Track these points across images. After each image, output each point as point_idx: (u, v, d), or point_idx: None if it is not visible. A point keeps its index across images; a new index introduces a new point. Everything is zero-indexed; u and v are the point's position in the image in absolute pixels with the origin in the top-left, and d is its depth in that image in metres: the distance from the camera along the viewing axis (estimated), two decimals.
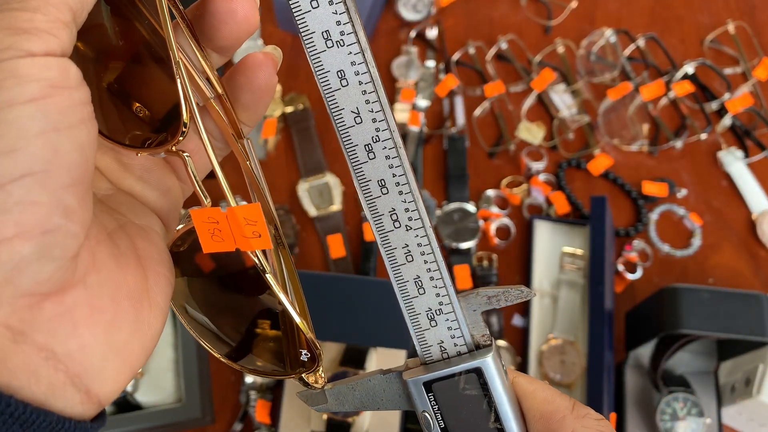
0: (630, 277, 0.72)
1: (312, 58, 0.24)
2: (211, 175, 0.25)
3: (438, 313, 0.27)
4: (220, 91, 0.26)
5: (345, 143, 0.25)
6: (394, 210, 0.26)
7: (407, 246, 0.26)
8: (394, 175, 0.25)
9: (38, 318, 0.19)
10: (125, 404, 0.64)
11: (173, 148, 0.24)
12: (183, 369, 0.65)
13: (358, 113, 0.25)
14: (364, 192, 0.26)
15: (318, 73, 0.24)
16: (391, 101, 0.81)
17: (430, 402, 0.27)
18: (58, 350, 0.20)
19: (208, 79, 0.26)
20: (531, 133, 0.79)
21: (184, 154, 0.24)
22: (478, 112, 0.80)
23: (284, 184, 0.77)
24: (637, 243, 0.74)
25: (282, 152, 0.79)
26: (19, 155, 0.18)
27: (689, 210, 0.76)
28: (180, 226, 0.26)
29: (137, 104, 0.26)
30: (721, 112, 0.80)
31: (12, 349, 0.19)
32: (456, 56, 0.83)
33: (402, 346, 0.60)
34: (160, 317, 0.23)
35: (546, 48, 0.83)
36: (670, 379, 0.63)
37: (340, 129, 0.25)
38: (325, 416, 0.60)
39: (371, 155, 0.25)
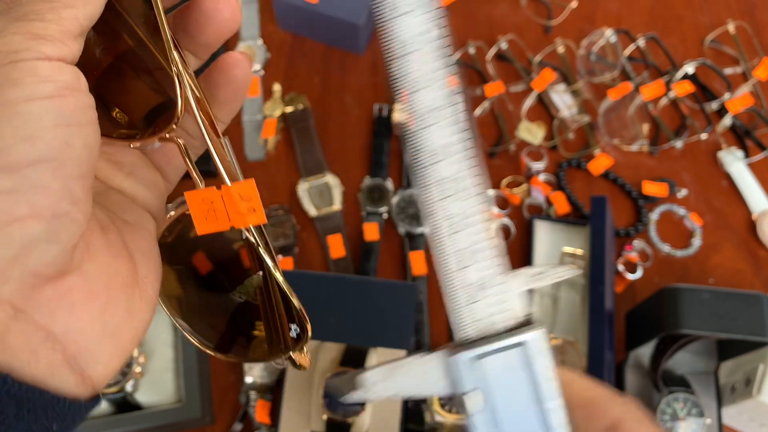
0: (630, 277, 0.72)
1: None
2: (188, 175, 0.26)
3: (486, 287, 0.26)
4: (198, 93, 0.26)
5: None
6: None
7: (452, 217, 0.26)
8: (453, 143, 0.26)
9: (39, 298, 0.20)
10: (125, 404, 0.64)
11: (167, 135, 0.25)
12: (183, 369, 0.65)
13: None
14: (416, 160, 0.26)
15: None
16: (391, 101, 0.81)
17: (477, 380, 0.26)
18: (56, 330, 0.21)
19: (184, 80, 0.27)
20: (531, 133, 0.79)
21: (178, 140, 0.25)
22: (478, 111, 0.80)
23: (284, 184, 0.77)
24: (638, 243, 0.73)
25: (282, 152, 0.79)
26: (36, 142, 0.20)
27: (689, 210, 0.75)
28: (171, 214, 0.27)
29: (127, 99, 0.27)
30: (722, 112, 0.80)
31: (13, 326, 0.20)
32: (456, 56, 0.83)
33: (402, 346, 0.60)
34: (149, 307, 0.25)
35: (546, 48, 0.83)
36: (670, 379, 0.63)
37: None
38: (324, 416, 0.60)
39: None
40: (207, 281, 0.29)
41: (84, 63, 0.24)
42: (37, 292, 0.20)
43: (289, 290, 0.26)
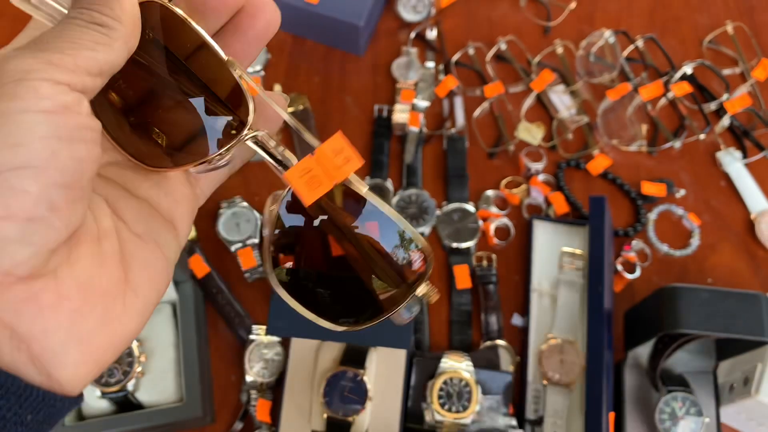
0: (629, 276, 0.72)
1: None
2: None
3: None
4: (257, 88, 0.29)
5: None
6: None
7: None
8: None
9: (7, 297, 0.21)
10: (126, 403, 0.64)
11: (244, 137, 0.27)
12: (184, 368, 0.65)
13: None
14: None
15: None
16: (391, 102, 0.81)
17: None
18: (21, 330, 0.22)
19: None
20: (530, 133, 0.79)
21: (259, 133, 0.28)
22: (477, 112, 0.80)
23: (284, 184, 0.77)
24: (636, 243, 0.74)
25: None
26: (21, 149, 0.21)
27: (688, 210, 0.76)
28: (271, 209, 0.28)
29: (187, 120, 0.29)
30: (720, 112, 0.81)
31: None
32: (456, 57, 0.83)
33: (402, 346, 0.61)
34: (135, 318, 0.25)
35: (545, 49, 0.84)
36: (669, 379, 0.63)
37: None
38: (325, 415, 0.60)
39: None
40: (320, 263, 0.29)
41: (146, 101, 0.27)
42: (4, 290, 0.21)
43: (403, 221, 0.27)
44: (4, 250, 0.21)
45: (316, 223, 0.28)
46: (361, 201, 0.27)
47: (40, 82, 0.22)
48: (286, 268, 0.29)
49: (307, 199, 0.26)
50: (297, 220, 0.28)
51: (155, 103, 0.29)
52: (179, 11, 0.27)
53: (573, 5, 0.86)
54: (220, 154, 0.28)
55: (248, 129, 0.28)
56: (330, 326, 0.28)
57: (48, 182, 0.21)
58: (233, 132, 0.28)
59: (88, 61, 0.23)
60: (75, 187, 0.22)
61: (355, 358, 0.62)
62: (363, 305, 0.29)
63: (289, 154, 0.28)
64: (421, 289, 0.28)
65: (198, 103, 0.28)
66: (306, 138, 0.27)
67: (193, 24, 0.27)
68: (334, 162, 0.26)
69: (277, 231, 0.28)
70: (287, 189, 0.28)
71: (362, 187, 0.27)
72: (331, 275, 0.29)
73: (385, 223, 0.28)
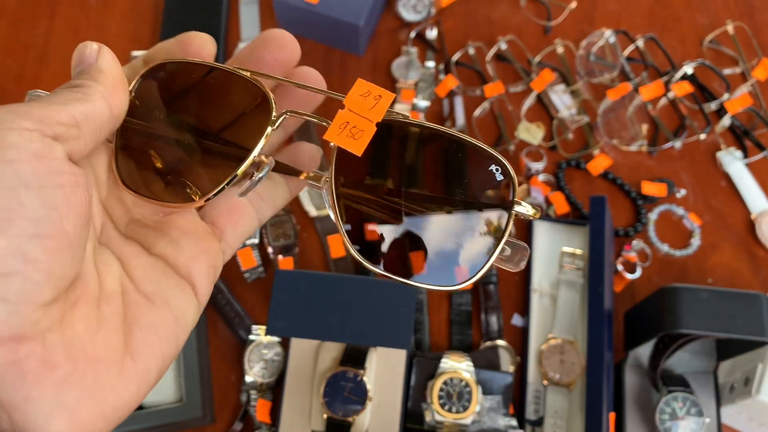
0: (629, 276, 0.72)
1: None
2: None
3: None
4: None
5: None
6: None
7: None
8: None
9: None
10: None
11: (276, 119, 0.28)
12: (183, 369, 0.65)
13: None
14: None
15: None
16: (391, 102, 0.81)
17: None
18: (1, 397, 0.20)
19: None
20: (530, 133, 0.79)
21: (283, 115, 0.28)
22: (477, 112, 0.80)
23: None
24: (637, 243, 0.74)
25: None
26: None
27: (688, 210, 0.76)
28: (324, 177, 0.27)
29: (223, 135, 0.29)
30: (720, 112, 0.80)
31: None
32: (456, 57, 0.83)
33: (402, 346, 0.61)
34: (131, 388, 0.24)
35: (545, 48, 0.84)
36: (669, 379, 0.63)
37: None
38: (325, 415, 0.60)
39: None
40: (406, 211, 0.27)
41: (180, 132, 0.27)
42: None
43: (473, 140, 0.26)
44: None
45: (388, 169, 0.27)
46: (415, 128, 0.26)
47: (5, 131, 0.21)
48: (378, 240, 0.27)
49: (358, 150, 0.25)
50: (358, 180, 0.27)
51: (178, 145, 0.29)
52: (192, 59, 0.29)
53: (573, 5, 0.86)
54: (252, 161, 0.27)
55: (273, 115, 0.27)
56: (456, 284, 0.26)
57: (18, 233, 0.21)
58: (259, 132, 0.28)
59: (59, 112, 0.23)
60: (54, 236, 0.21)
61: (355, 358, 0.62)
62: (473, 246, 0.26)
63: (322, 119, 0.27)
64: (522, 208, 0.27)
65: (219, 122, 0.29)
66: (332, 96, 0.27)
67: (195, 60, 0.29)
68: (366, 104, 0.25)
69: (340, 201, 0.27)
70: (333, 151, 0.26)
71: (406, 115, 0.26)
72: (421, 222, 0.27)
73: (443, 138, 0.26)
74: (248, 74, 0.28)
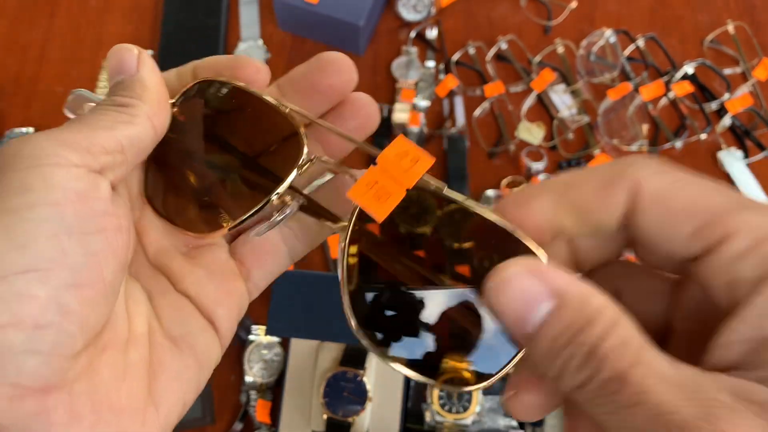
0: None
1: None
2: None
3: None
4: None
5: None
6: None
7: None
8: None
9: (17, 412, 0.20)
10: None
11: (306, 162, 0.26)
12: None
13: None
14: None
15: None
16: (391, 101, 0.81)
17: None
18: None
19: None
20: (531, 133, 0.79)
21: (318, 157, 0.27)
22: (478, 112, 0.80)
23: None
24: None
25: None
26: (27, 251, 0.20)
27: None
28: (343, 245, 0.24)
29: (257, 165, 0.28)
30: (721, 112, 0.80)
31: None
32: (456, 56, 0.83)
33: None
34: (155, 430, 0.24)
35: (546, 48, 0.83)
36: None
37: None
38: (325, 416, 0.60)
39: None
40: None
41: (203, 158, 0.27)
42: (15, 404, 0.20)
43: (498, 218, 0.23)
44: (11, 361, 0.19)
45: (406, 241, 0.24)
46: (446, 202, 0.23)
47: (52, 168, 0.21)
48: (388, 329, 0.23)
49: (379, 215, 0.23)
50: (374, 247, 0.24)
51: (208, 170, 0.28)
52: (238, 83, 0.28)
53: (574, 4, 0.86)
54: (275, 197, 0.26)
55: (304, 156, 0.26)
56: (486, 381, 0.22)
57: (57, 284, 0.20)
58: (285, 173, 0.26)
59: (106, 139, 0.23)
60: (92, 285, 0.21)
61: (355, 358, 0.62)
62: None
63: (355, 171, 0.26)
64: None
65: (249, 154, 0.28)
66: (366, 149, 0.25)
67: (237, 83, 0.28)
68: (401, 166, 0.23)
69: (352, 271, 0.24)
70: (353, 210, 0.24)
71: (441, 186, 0.23)
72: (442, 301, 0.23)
73: (476, 218, 0.23)
74: (287, 110, 0.27)
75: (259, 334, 0.68)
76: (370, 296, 0.24)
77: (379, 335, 0.23)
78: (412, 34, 0.84)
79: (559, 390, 0.21)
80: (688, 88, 0.80)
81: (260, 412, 0.66)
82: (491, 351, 0.22)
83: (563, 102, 0.81)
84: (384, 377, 0.63)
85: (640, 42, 0.83)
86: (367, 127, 0.29)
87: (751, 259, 0.19)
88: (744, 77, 0.83)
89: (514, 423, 0.62)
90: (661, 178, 0.22)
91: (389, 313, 0.24)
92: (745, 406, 0.17)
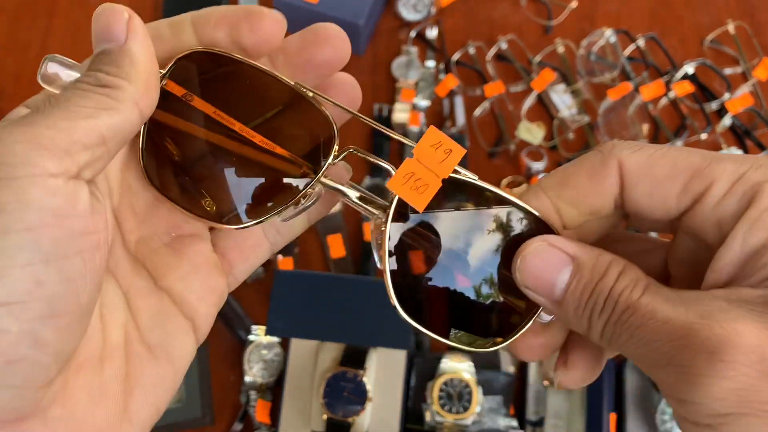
0: None
1: None
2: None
3: None
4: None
5: None
6: None
7: None
8: None
9: None
10: None
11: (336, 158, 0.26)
12: None
13: None
14: None
15: None
16: (391, 101, 0.81)
17: None
18: None
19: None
20: (531, 133, 0.79)
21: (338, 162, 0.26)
22: (478, 112, 0.80)
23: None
24: None
25: None
26: (0, 284, 0.18)
27: None
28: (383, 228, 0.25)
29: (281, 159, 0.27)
30: (721, 112, 0.80)
31: None
32: (456, 56, 0.83)
33: (402, 346, 0.60)
34: None
35: (546, 48, 0.83)
36: None
37: None
38: (325, 416, 0.60)
39: None
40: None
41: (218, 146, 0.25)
42: None
43: (523, 203, 0.25)
44: None
45: (441, 226, 0.25)
46: (476, 191, 0.25)
47: (27, 181, 0.19)
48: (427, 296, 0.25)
49: (420, 205, 0.24)
50: (412, 234, 0.25)
51: (226, 154, 0.27)
52: (237, 56, 0.26)
53: (574, 4, 0.86)
54: (313, 183, 0.25)
55: (336, 146, 0.26)
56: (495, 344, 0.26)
57: (32, 317, 0.19)
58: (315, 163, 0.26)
59: (86, 133, 0.20)
60: (67, 313, 0.20)
61: (355, 358, 0.62)
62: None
63: (387, 164, 0.26)
64: None
65: (268, 139, 0.26)
66: (407, 143, 0.26)
67: (252, 62, 0.26)
68: (436, 157, 0.24)
69: (395, 256, 0.25)
70: (392, 200, 0.25)
71: (473, 176, 0.25)
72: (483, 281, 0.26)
73: (507, 207, 0.25)
74: (311, 95, 0.26)
75: (259, 334, 0.68)
76: (411, 279, 0.26)
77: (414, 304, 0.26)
78: (412, 33, 0.84)
79: (590, 342, 0.25)
80: (688, 87, 0.80)
81: (260, 412, 0.66)
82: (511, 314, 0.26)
83: (563, 102, 0.81)
84: (384, 377, 0.63)
85: (641, 42, 0.83)
86: (355, 105, 0.30)
87: (732, 197, 0.23)
88: (744, 77, 0.83)
89: (515, 423, 0.62)
90: (640, 153, 0.24)
91: (426, 290, 0.26)
92: (737, 305, 0.21)
